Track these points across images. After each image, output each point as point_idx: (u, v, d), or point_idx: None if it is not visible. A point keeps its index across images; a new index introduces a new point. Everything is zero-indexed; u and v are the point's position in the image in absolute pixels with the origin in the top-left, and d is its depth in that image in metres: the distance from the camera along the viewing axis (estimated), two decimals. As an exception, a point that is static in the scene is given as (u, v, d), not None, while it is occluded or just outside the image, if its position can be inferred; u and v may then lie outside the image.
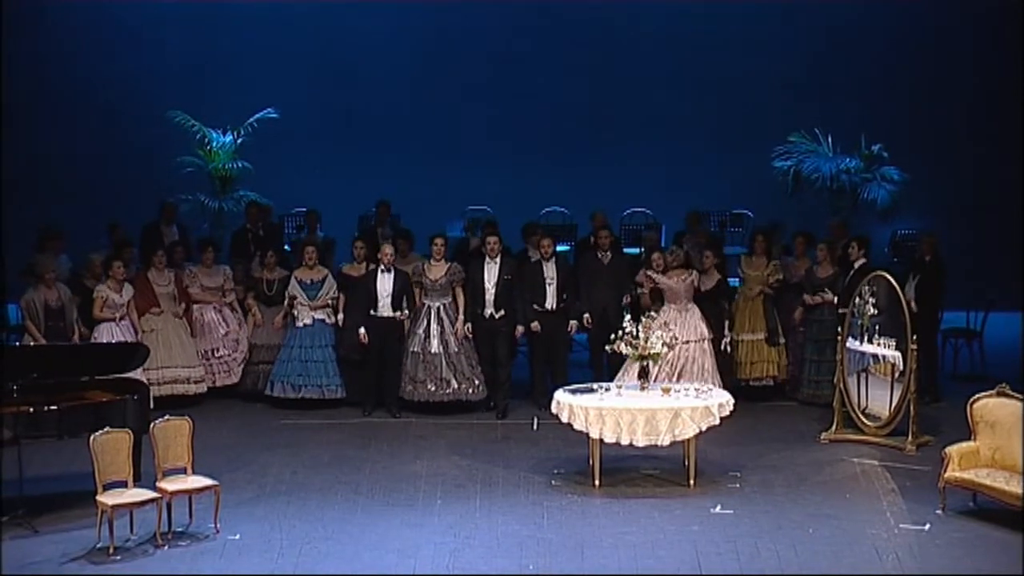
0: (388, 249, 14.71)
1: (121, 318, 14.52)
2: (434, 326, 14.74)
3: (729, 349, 14.90)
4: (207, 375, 15.22)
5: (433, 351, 14.70)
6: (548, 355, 14.75)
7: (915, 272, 15.01)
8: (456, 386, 14.72)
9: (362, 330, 14.56)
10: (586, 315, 14.68)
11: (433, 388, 14.68)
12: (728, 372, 14.75)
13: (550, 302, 14.65)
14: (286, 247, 17.19)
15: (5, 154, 18.61)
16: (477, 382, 14.80)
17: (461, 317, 14.78)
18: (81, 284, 14.94)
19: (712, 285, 14.92)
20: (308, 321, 15.04)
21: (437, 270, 14.86)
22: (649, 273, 14.66)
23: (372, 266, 14.84)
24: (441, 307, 14.80)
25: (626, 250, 16.78)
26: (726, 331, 14.90)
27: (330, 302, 15.10)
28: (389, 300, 14.56)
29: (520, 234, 16.08)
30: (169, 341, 15.00)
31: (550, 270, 14.69)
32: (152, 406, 13.18)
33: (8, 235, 18.07)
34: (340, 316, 15.00)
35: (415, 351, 14.72)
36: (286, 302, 15.11)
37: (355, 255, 15.20)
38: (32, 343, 13.89)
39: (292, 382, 14.92)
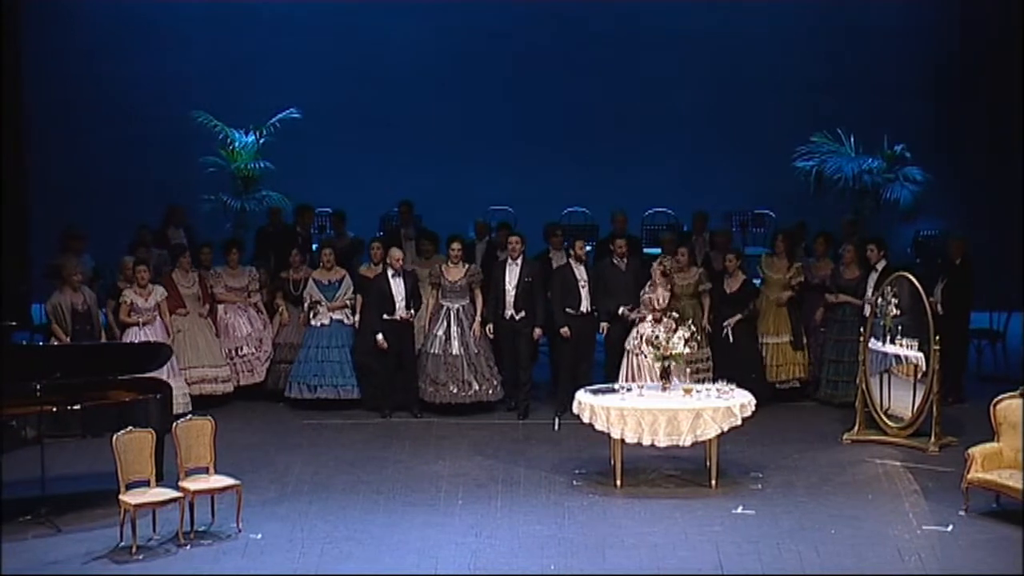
0: (397, 253, 14.72)
1: (145, 323, 14.50)
2: (454, 328, 14.75)
3: (731, 339, 14.78)
4: (231, 374, 15.26)
5: (454, 353, 14.71)
6: (577, 357, 14.67)
7: (943, 275, 14.95)
8: (477, 387, 14.73)
9: (380, 336, 14.57)
10: (604, 324, 14.63)
11: (455, 390, 14.69)
12: (758, 374, 14.70)
13: (584, 305, 14.60)
14: (314, 246, 17.20)
15: (27, 154, 18.66)
16: (495, 383, 14.82)
17: (478, 318, 14.78)
18: (115, 286, 14.97)
19: (737, 287, 14.89)
20: (326, 321, 15.06)
21: (455, 272, 14.86)
22: (649, 296, 14.44)
23: (385, 268, 14.84)
24: (460, 308, 14.81)
25: (648, 250, 16.76)
26: (732, 320, 14.74)
27: (348, 302, 15.13)
28: (404, 304, 14.59)
29: (542, 234, 16.06)
30: (196, 342, 15.03)
31: (582, 272, 14.65)
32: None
33: (32, 235, 18.18)
34: (356, 318, 15.02)
35: (435, 353, 14.73)
36: (306, 303, 15.11)
37: (372, 256, 15.22)
38: (55, 343, 13.94)
39: (308, 382, 14.93)
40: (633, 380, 13.58)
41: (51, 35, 19.32)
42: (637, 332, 14.08)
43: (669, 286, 14.24)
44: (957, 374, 14.91)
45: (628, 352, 14.17)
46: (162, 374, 13.50)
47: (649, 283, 14.27)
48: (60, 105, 19.29)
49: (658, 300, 14.07)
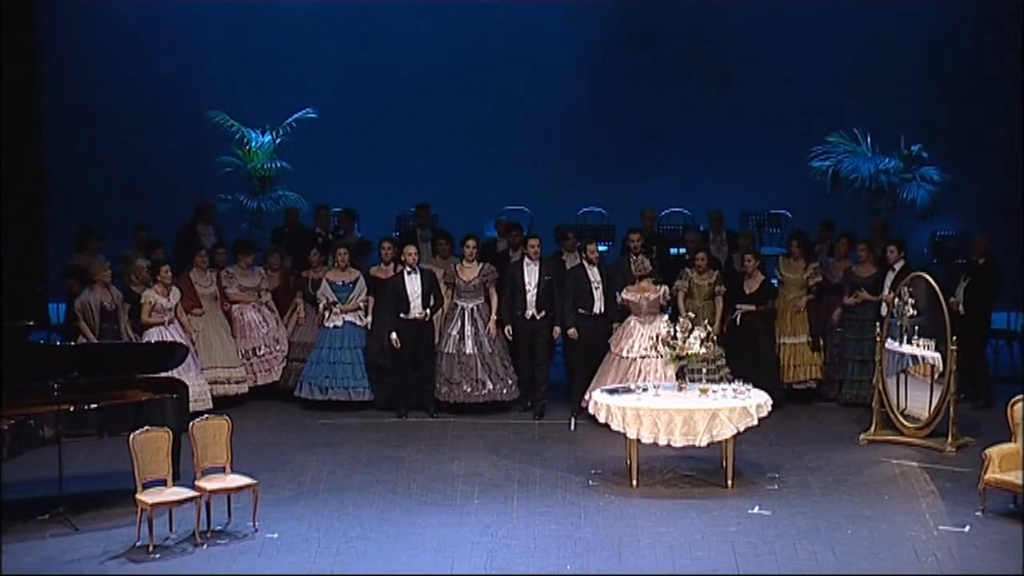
0: (412, 249, 14.74)
1: (169, 322, 14.53)
2: (468, 327, 14.76)
3: (738, 321, 14.78)
4: (248, 374, 15.28)
5: (468, 352, 14.72)
6: (590, 358, 14.65)
7: (966, 274, 14.92)
8: (491, 387, 14.74)
9: (394, 335, 14.57)
10: (616, 325, 14.63)
11: (469, 389, 14.70)
12: (774, 375, 14.68)
13: (598, 306, 14.58)
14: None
15: (45, 154, 18.71)
16: (511, 382, 14.82)
17: (494, 317, 14.79)
18: (127, 289, 15.00)
19: (756, 287, 14.88)
20: (338, 323, 15.05)
21: (470, 271, 14.87)
22: (622, 294, 14.46)
23: (400, 267, 14.85)
24: (474, 308, 14.82)
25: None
26: (742, 307, 14.74)
27: (362, 304, 15.12)
28: (419, 301, 14.60)
29: (553, 236, 16.04)
30: (210, 341, 15.05)
31: (595, 274, 14.64)
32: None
33: (49, 235, 18.23)
34: (369, 319, 15.03)
35: (449, 352, 14.75)
36: (320, 304, 15.10)
37: (382, 256, 15.22)
38: (74, 342, 13.97)
39: (319, 384, 14.94)
40: (613, 381, 13.64)
41: (69, 36, 19.35)
42: (624, 332, 14.14)
43: (651, 294, 14.29)
44: (981, 374, 14.84)
45: (612, 355, 14.20)
46: (188, 372, 13.58)
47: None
48: (77, 106, 19.33)
49: (632, 300, 14.24)
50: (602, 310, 14.57)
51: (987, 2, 19.24)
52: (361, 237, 16.84)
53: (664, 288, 14.45)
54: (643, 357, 13.89)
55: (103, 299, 14.36)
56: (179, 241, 16.54)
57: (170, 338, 14.22)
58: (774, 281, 15.40)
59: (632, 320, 14.30)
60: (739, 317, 14.79)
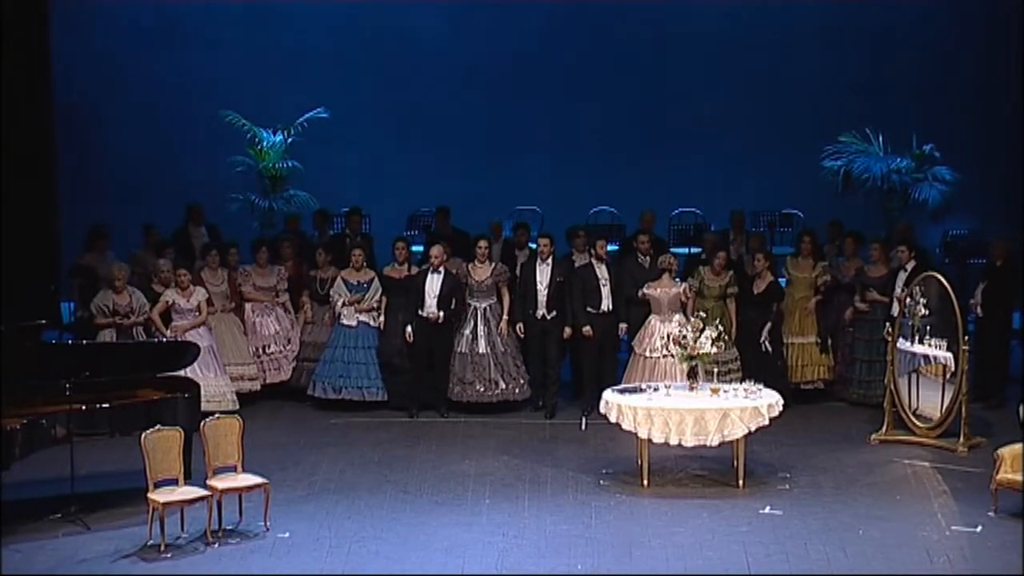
0: (436, 250, 14.74)
1: (186, 330, 14.48)
2: (481, 327, 14.76)
3: (769, 349, 14.78)
4: (258, 372, 15.29)
5: (481, 352, 14.73)
6: (599, 356, 14.66)
7: (984, 276, 14.88)
8: (504, 386, 14.74)
9: (409, 328, 14.57)
10: (623, 325, 14.62)
11: (482, 389, 14.71)
12: (781, 375, 14.66)
13: (605, 304, 14.58)
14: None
15: (57, 154, 18.74)
16: (523, 381, 14.83)
17: (506, 317, 14.79)
18: (150, 289, 15.02)
19: (764, 288, 14.86)
20: (352, 323, 15.05)
21: (482, 271, 14.87)
22: (643, 290, 14.50)
23: (416, 267, 14.81)
24: (487, 308, 14.83)
25: (675, 250, 16.74)
26: (765, 332, 14.74)
27: (376, 305, 15.10)
28: (435, 301, 14.59)
29: (564, 237, 16.02)
30: (223, 339, 15.05)
31: (603, 272, 14.63)
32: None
33: (62, 235, 18.26)
34: (382, 319, 15.02)
35: (463, 352, 14.75)
36: (339, 303, 15.07)
37: (396, 256, 15.22)
38: (84, 341, 13.99)
39: (333, 383, 14.93)
40: (639, 380, 13.63)
41: (80, 36, 19.38)
42: (646, 331, 14.15)
43: (672, 288, 14.32)
44: (999, 375, 14.81)
45: (636, 355, 14.22)
46: (208, 372, 13.60)
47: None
48: (89, 105, 19.36)
49: (654, 295, 14.26)
50: (610, 308, 14.56)
51: (1000, 1, 19.20)
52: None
53: (685, 285, 14.46)
54: (666, 356, 13.88)
55: (118, 301, 14.38)
56: (177, 243, 16.53)
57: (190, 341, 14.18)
58: (782, 281, 15.38)
59: (653, 319, 14.31)
60: (766, 344, 14.76)
